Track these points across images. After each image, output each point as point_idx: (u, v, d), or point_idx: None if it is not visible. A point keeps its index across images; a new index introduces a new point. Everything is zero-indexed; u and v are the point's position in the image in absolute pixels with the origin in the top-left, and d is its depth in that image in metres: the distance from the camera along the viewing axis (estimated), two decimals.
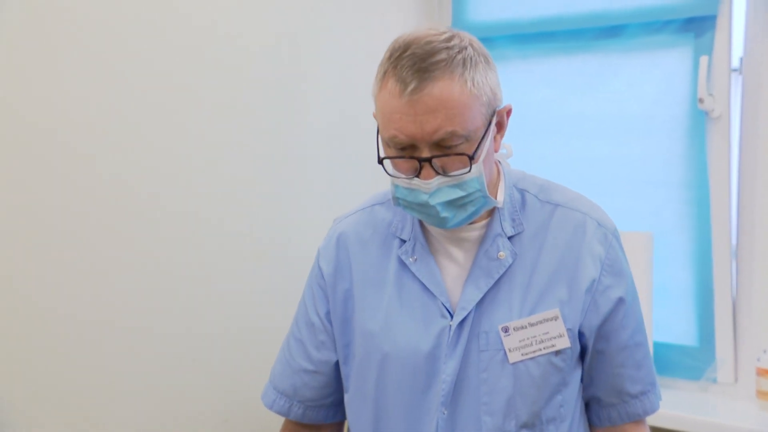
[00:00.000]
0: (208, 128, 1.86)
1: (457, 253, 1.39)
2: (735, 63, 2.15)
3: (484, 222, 1.38)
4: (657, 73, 2.25)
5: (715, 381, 2.19)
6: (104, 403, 1.66)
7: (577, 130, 2.37)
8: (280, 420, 1.57)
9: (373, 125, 2.28)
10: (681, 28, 2.18)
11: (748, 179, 2.13)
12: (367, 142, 2.30)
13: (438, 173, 1.25)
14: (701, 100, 2.12)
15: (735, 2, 2.11)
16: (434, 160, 1.24)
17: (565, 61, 2.38)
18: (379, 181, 2.33)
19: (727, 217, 2.15)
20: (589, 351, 1.39)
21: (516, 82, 2.43)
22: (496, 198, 1.38)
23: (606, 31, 2.30)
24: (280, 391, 1.52)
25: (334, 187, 2.22)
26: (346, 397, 1.48)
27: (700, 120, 2.16)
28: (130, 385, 1.71)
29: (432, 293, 1.37)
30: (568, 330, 1.34)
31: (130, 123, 1.68)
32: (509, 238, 1.37)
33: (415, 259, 1.40)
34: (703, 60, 2.12)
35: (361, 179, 2.29)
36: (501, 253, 1.36)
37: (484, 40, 1.48)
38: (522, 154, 2.02)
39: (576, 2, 2.33)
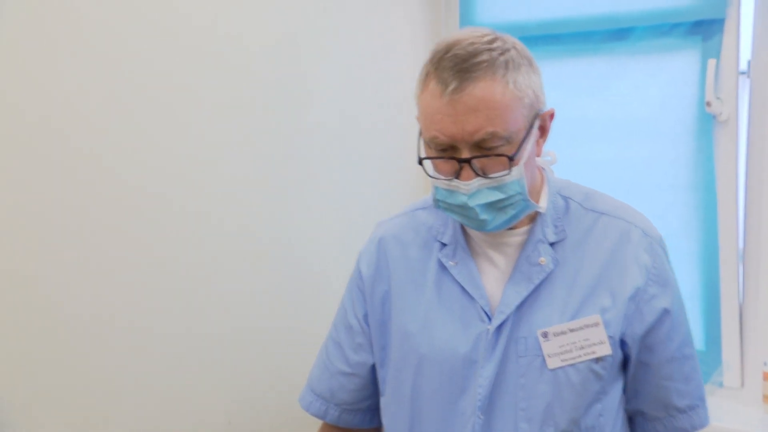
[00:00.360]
0: (209, 128, 1.85)
1: (498, 258, 1.37)
2: (743, 66, 2.14)
3: (526, 228, 1.37)
4: (664, 76, 2.23)
5: (721, 385, 2.18)
6: (105, 403, 1.65)
7: (583, 133, 2.35)
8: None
9: (374, 125, 2.32)
10: (689, 32, 2.17)
11: (756, 183, 2.12)
12: (368, 142, 2.31)
13: (478, 175, 1.23)
14: (709, 104, 2.12)
15: (743, 5, 2.10)
16: (474, 162, 1.23)
17: (571, 63, 2.37)
18: (380, 181, 2.35)
19: (734, 220, 2.15)
20: (632, 361, 1.37)
21: None
22: (538, 203, 1.36)
23: (613, 34, 2.28)
24: (317, 393, 1.53)
25: (335, 187, 2.21)
26: (382, 401, 1.47)
27: (708, 123, 2.15)
28: (132, 386, 1.70)
29: (471, 296, 1.36)
30: (610, 338, 1.32)
31: (131, 123, 1.67)
32: (551, 244, 1.36)
33: (456, 263, 1.38)
34: (711, 63, 2.11)
35: (362, 179, 2.29)
36: (542, 258, 1.34)
37: None
38: None
39: (583, 5, 2.31)
